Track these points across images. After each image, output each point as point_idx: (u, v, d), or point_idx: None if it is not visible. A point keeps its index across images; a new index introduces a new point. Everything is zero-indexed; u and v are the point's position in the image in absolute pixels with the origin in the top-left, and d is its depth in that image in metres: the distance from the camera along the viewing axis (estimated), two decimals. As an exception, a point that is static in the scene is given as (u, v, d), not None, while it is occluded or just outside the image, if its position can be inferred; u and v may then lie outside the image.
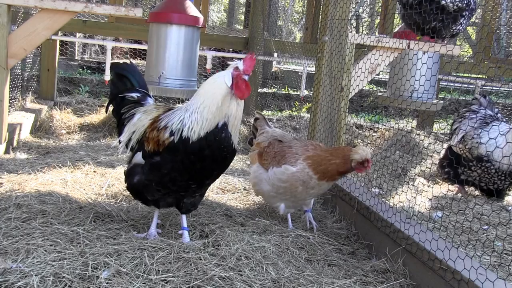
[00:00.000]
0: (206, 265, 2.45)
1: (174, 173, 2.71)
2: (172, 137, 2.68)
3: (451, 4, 4.01)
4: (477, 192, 4.71)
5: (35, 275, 2.23)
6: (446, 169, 4.76)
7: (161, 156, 2.71)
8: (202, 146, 2.62)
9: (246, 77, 2.62)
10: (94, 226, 2.99)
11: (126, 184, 2.96)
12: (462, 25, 4.19)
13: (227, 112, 2.62)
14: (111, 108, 3.24)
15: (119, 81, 3.21)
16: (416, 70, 4.94)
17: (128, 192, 3.06)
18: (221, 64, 12.26)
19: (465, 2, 4.07)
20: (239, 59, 2.73)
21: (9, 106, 4.96)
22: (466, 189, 4.73)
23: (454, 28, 4.14)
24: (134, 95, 3.12)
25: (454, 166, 4.56)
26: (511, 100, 10.82)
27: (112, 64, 3.33)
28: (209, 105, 2.62)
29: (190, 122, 2.64)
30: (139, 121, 2.98)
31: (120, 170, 4.13)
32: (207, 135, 2.61)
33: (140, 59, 11.43)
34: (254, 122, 3.88)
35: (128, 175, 2.92)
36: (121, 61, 3.54)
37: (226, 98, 2.63)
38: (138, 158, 2.85)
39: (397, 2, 4.61)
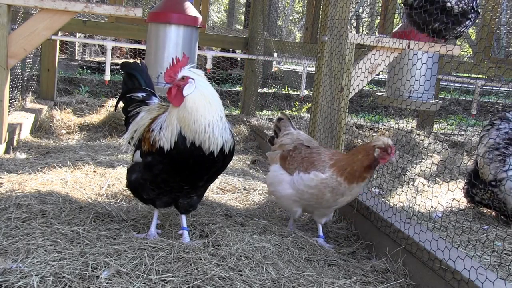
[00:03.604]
0: (206, 265, 2.45)
1: (165, 174, 2.74)
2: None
3: (456, 6, 3.98)
4: (493, 213, 4.13)
5: (35, 275, 2.23)
6: (465, 186, 4.23)
7: (153, 156, 2.74)
8: (178, 153, 2.64)
9: (168, 86, 2.66)
10: (94, 226, 2.99)
11: (126, 181, 3.00)
12: (467, 26, 4.17)
13: (178, 120, 2.63)
14: (121, 106, 3.31)
15: (129, 80, 3.28)
16: (416, 70, 4.93)
17: (128, 192, 3.07)
18: (220, 64, 12.27)
19: (470, 4, 4.05)
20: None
21: (9, 106, 4.95)
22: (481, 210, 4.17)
23: (458, 29, 4.12)
24: (140, 94, 3.18)
25: (472, 182, 4.06)
26: (511, 100, 10.81)
27: (122, 63, 3.36)
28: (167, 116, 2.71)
29: (162, 133, 2.70)
30: (141, 119, 3.03)
31: (120, 170, 4.13)
32: (175, 144, 2.63)
33: (140, 59, 11.40)
34: (277, 122, 3.73)
35: (128, 172, 2.98)
36: (131, 60, 3.60)
37: (172, 110, 2.69)
38: (138, 156, 2.89)
39: (401, 3, 4.59)
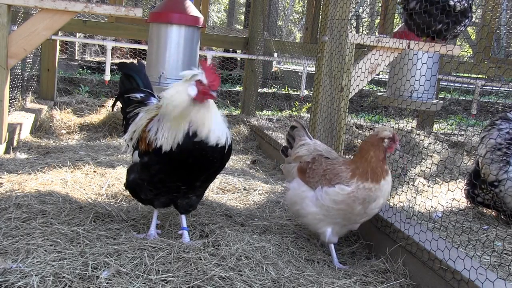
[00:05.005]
0: (206, 265, 2.45)
1: (161, 174, 2.75)
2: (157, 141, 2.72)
3: (458, 4, 3.98)
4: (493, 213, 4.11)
5: (35, 275, 2.23)
6: (465, 187, 4.20)
7: (149, 156, 2.75)
8: (182, 153, 2.62)
9: (214, 93, 2.59)
10: (94, 226, 2.99)
11: (125, 182, 3.01)
12: (466, 25, 4.17)
13: (194, 120, 2.60)
14: (119, 106, 3.30)
15: (127, 80, 3.28)
16: (416, 70, 4.93)
17: (128, 192, 3.07)
18: (220, 64, 12.26)
19: (469, 2, 4.06)
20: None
21: (9, 106, 4.95)
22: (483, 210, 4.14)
23: (458, 28, 4.12)
24: (138, 95, 3.18)
25: (472, 183, 4.05)
26: (511, 100, 10.82)
27: (119, 63, 3.36)
28: (172, 117, 2.64)
29: (162, 134, 2.67)
30: (140, 120, 3.03)
31: (120, 170, 4.13)
32: (180, 145, 2.61)
33: (138, 59, 11.42)
34: (290, 131, 3.45)
35: (127, 172, 2.99)
36: (128, 61, 3.58)
37: (189, 108, 2.61)
38: (136, 156, 2.90)
39: (399, 4, 4.58)
